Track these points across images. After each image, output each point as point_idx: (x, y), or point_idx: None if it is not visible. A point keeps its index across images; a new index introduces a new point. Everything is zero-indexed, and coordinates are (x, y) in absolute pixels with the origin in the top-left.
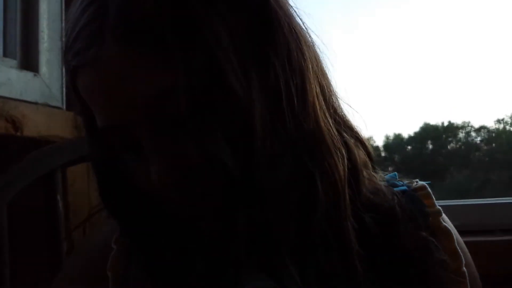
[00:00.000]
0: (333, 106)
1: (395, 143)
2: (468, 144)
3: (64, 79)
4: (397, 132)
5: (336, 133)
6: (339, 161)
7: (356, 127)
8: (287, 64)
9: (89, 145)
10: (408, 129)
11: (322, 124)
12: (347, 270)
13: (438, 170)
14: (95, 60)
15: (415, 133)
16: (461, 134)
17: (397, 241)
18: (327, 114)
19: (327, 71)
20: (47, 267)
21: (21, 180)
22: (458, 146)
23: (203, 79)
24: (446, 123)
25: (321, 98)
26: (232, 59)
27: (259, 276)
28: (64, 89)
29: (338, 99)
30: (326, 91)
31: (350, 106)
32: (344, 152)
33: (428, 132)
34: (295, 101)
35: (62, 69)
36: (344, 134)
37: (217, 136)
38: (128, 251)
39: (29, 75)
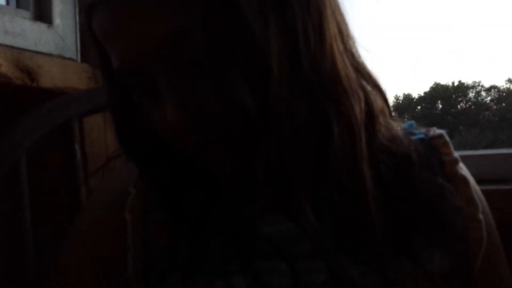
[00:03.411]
0: (350, 50)
1: (405, 104)
2: (478, 104)
3: (78, 31)
4: (406, 93)
5: (354, 76)
6: (356, 103)
7: (373, 73)
8: (305, 3)
9: (106, 90)
10: (418, 90)
11: (340, 65)
12: (362, 213)
13: (447, 129)
14: None
15: (425, 93)
16: (471, 94)
17: (413, 187)
18: (344, 56)
19: (344, 13)
20: (67, 214)
21: (39, 129)
22: (468, 106)
23: (220, 18)
24: (456, 83)
25: (339, 39)
26: None
27: (276, 219)
28: (78, 41)
29: (356, 43)
30: (344, 33)
31: (368, 51)
32: (361, 95)
33: (438, 92)
34: (312, 41)
35: (76, 21)
36: (362, 79)
37: (235, 77)
38: (146, 194)
39: (43, 26)
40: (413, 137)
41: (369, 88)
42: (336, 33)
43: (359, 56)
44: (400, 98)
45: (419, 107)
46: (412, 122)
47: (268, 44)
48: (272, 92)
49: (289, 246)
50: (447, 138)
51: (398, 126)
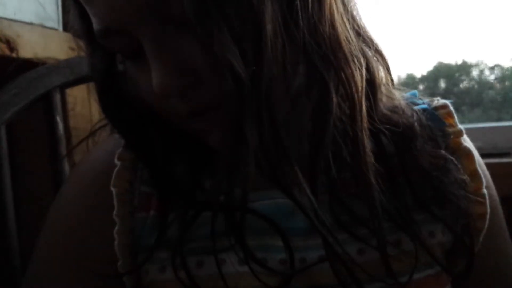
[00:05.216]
0: (351, 12)
1: (408, 83)
2: (482, 83)
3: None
4: (409, 72)
5: (355, 40)
6: (356, 70)
7: (375, 39)
8: None
9: (88, 55)
10: (421, 69)
11: (340, 28)
12: (361, 186)
13: None
14: None
15: (428, 72)
16: (475, 73)
17: (415, 159)
18: (345, 19)
19: None
20: (49, 189)
21: (19, 100)
22: (471, 85)
23: None
24: (460, 62)
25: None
26: None
27: (270, 193)
28: (60, 9)
29: (357, 5)
30: None
31: (369, 16)
32: (362, 61)
33: (441, 71)
34: (310, 1)
35: None
36: (363, 44)
37: (224, 37)
38: (132, 166)
39: None
40: (416, 107)
41: (370, 54)
42: None
43: (361, 19)
44: (402, 78)
45: (421, 87)
46: (415, 91)
47: (261, 2)
48: (265, 56)
49: (283, 221)
50: (451, 108)
51: (400, 96)
